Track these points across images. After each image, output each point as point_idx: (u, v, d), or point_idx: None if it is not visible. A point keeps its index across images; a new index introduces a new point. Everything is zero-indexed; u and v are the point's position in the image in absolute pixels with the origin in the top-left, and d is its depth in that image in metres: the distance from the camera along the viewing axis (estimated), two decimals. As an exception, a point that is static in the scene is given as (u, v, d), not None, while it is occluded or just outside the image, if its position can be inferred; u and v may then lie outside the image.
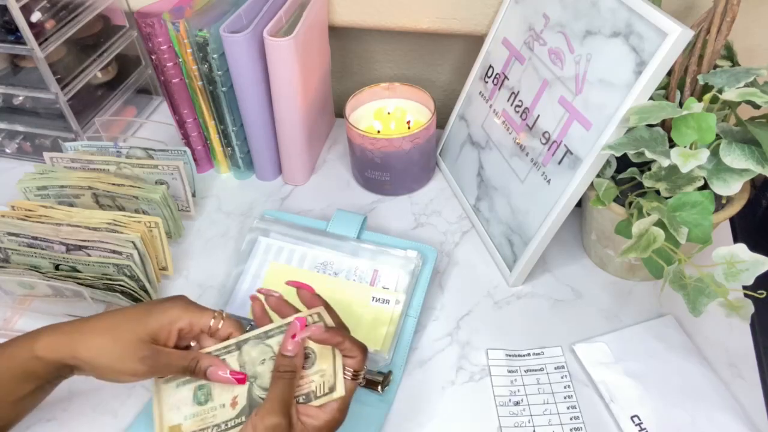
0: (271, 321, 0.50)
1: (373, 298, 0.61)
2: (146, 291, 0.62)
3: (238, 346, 0.48)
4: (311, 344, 0.47)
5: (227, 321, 0.49)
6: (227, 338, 0.49)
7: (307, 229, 0.67)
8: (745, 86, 0.49)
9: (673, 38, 0.47)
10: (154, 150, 0.71)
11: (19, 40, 0.70)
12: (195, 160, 0.79)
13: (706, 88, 0.53)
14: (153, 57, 0.69)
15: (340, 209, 0.69)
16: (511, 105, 0.66)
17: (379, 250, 0.64)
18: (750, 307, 0.48)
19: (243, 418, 0.45)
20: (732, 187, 0.49)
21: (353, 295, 0.62)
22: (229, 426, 0.45)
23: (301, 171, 0.79)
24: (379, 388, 0.55)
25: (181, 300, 0.49)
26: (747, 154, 0.48)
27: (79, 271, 0.62)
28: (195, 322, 0.48)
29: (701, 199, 0.50)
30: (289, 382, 0.45)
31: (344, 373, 0.46)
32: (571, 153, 0.57)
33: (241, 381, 0.47)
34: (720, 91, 0.50)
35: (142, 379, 0.48)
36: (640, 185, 0.55)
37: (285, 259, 0.66)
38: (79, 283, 0.60)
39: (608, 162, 0.57)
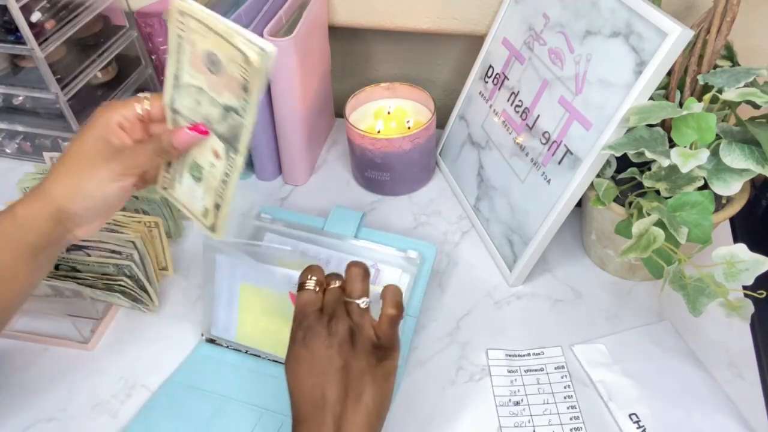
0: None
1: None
2: (146, 291, 0.62)
3: (172, 108, 0.49)
4: None
5: (154, 99, 0.50)
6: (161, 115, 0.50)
7: (304, 227, 0.66)
8: (745, 86, 0.49)
9: (673, 38, 0.47)
10: (154, 150, 0.71)
11: (19, 40, 0.70)
12: (195, 160, 0.79)
13: (706, 88, 0.53)
14: (153, 57, 0.69)
15: (338, 206, 0.68)
16: (511, 105, 0.66)
17: (379, 250, 0.64)
18: (750, 307, 0.48)
19: (233, 156, 0.46)
20: (732, 187, 0.49)
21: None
22: (230, 173, 0.47)
23: (301, 171, 0.79)
24: None
25: (102, 107, 0.49)
26: (747, 154, 0.48)
27: (78, 271, 0.62)
28: (125, 113, 0.49)
29: (701, 199, 0.50)
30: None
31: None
32: (571, 153, 0.57)
33: (202, 132, 0.47)
34: (720, 91, 0.50)
35: (129, 184, 0.48)
36: (640, 185, 0.55)
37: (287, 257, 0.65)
38: (78, 283, 0.60)
39: (608, 162, 0.57)
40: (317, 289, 0.48)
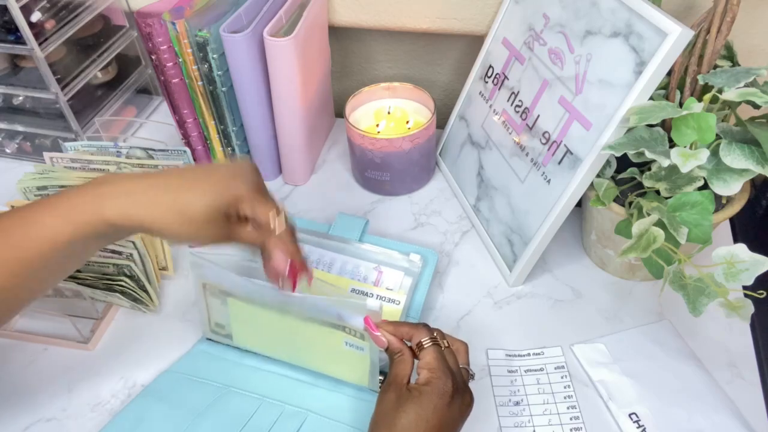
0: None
1: (377, 296, 0.61)
2: (146, 291, 0.62)
3: None
4: None
5: (281, 222, 0.47)
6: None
7: (309, 231, 0.67)
8: (745, 86, 0.49)
9: (673, 38, 0.47)
10: (154, 150, 0.71)
11: (19, 40, 0.70)
12: (195, 160, 0.79)
13: (706, 88, 0.53)
14: (153, 57, 0.69)
15: (341, 213, 0.69)
16: (511, 105, 0.66)
17: (382, 252, 0.65)
18: (750, 307, 0.48)
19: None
20: (732, 187, 0.49)
21: (354, 293, 0.62)
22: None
23: (301, 171, 0.79)
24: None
25: (250, 175, 0.47)
26: (747, 154, 0.48)
27: (78, 271, 0.62)
28: (256, 213, 0.46)
29: (701, 199, 0.50)
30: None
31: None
32: (571, 153, 0.57)
33: (295, 273, 0.48)
34: (720, 91, 0.50)
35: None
36: (640, 185, 0.55)
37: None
38: (78, 283, 0.60)
39: (608, 162, 0.57)
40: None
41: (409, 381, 0.46)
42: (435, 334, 0.48)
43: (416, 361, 0.47)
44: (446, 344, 0.48)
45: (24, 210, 0.43)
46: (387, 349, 0.48)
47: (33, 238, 0.42)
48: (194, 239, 0.46)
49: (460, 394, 0.45)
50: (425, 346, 0.47)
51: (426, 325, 0.48)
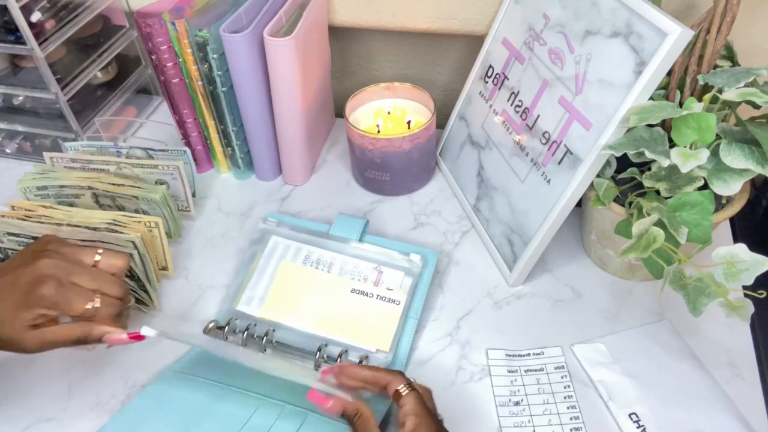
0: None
1: (378, 296, 0.61)
2: (146, 291, 0.62)
3: None
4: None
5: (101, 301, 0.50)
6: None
7: (310, 231, 0.67)
8: (745, 86, 0.49)
9: (673, 38, 0.47)
10: (154, 150, 0.71)
11: (19, 40, 0.70)
12: (195, 160, 0.79)
13: (706, 88, 0.53)
14: (153, 57, 0.69)
15: (341, 213, 0.69)
16: (511, 105, 0.66)
17: (382, 252, 0.65)
18: (750, 307, 0.48)
19: None
20: (732, 187, 0.49)
21: (354, 293, 0.62)
22: None
23: (301, 171, 0.79)
24: None
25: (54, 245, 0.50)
26: (747, 154, 0.48)
27: (79, 271, 0.62)
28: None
29: (701, 199, 0.50)
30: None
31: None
32: (571, 153, 0.57)
33: (138, 338, 0.50)
34: (720, 91, 0.50)
35: (41, 352, 0.49)
36: (640, 185, 0.55)
37: (292, 257, 0.66)
38: (79, 283, 0.60)
39: (608, 162, 0.57)
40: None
41: None
42: (411, 380, 0.49)
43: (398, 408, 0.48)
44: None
45: None
46: (343, 415, 0.48)
47: None
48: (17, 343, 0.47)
49: None
50: (403, 393, 0.47)
51: (401, 372, 0.49)
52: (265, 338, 0.59)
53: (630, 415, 0.53)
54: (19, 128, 0.83)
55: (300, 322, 0.61)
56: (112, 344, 0.50)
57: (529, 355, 0.59)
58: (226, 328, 0.60)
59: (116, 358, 0.60)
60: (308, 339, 0.60)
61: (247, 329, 0.60)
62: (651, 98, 0.51)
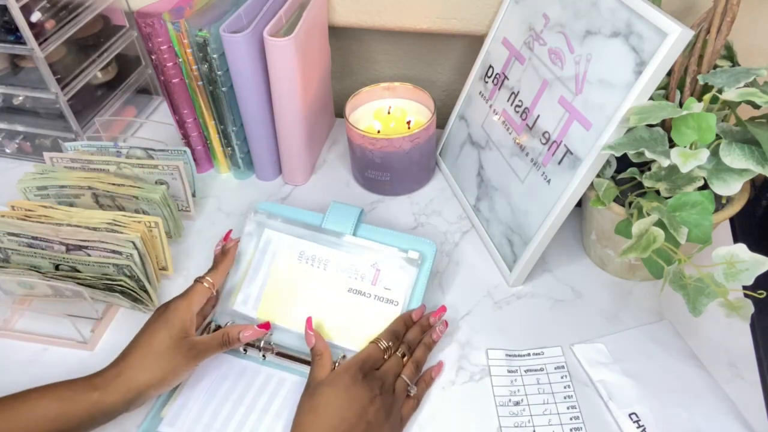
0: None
1: (375, 296, 0.61)
2: (146, 291, 0.62)
3: None
4: None
5: (214, 276, 0.60)
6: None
7: (302, 224, 0.66)
8: (745, 86, 0.49)
9: (673, 38, 0.47)
10: (154, 150, 0.71)
11: (19, 40, 0.70)
12: (195, 160, 0.79)
13: (706, 88, 0.53)
14: (153, 57, 0.69)
15: (336, 202, 0.67)
16: (511, 105, 0.66)
17: (380, 249, 0.63)
18: (750, 307, 0.48)
19: None
20: (732, 187, 0.49)
21: (351, 293, 0.62)
22: None
23: (301, 171, 0.79)
24: None
25: (176, 307, 0.56)
26: (747, 154, 0.48)
27: (79, 271, 0.62)
28: (196, 308, 0.58)
29: (701, 199, 0.50)
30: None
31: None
32: (571, 153, 0.57)
33: (266, 326, 0.58)
34: (720, 91, 0.50)
35: (192, 367, 0.55)
36: (640, 185, 0.55)
37: (286, 254, 0.65)
38: (79, 283, 0.60)
39: (608, 162, 0.57)
40: (386, 356, 0.56)
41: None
42: (390, 343, 0.56)
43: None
44: (402, 354, 0.56)
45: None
46: (312, 348, 0.56)
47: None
48: (177, 371, 0.53)
49: (372, 389, 0.52)
50: (378, 344, 0.56)
51: (393, 333, 0.57)
52: (262, 343, 0.59)
53: (630, 415, 0.53)
54: (19, 128, 0.83)
55: (298, 324, 0.60)
56: (246, 340, 0.57)
57: (529, 355, 0.59)
58: None
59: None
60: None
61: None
62: (651, 98, 0.51)
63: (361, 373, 0.52)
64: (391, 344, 0.56)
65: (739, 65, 0.57)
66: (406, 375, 0.55)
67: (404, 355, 0.56)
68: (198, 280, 0.59)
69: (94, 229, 0.62)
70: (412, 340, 0.58)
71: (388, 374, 0.54)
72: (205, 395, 0.57)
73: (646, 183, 0.54)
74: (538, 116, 0.62)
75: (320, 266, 0.63)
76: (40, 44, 0.71)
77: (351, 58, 0.90)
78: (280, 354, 0.60)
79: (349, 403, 0.50)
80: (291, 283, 0.63)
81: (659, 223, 0.50)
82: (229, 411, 0.56)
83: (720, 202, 0.57)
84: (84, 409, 0.49)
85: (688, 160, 0.47)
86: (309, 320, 0.58)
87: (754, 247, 0.47)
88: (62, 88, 0.76)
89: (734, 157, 0.48)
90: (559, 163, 0.58)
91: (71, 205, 0.68)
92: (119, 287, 0.61)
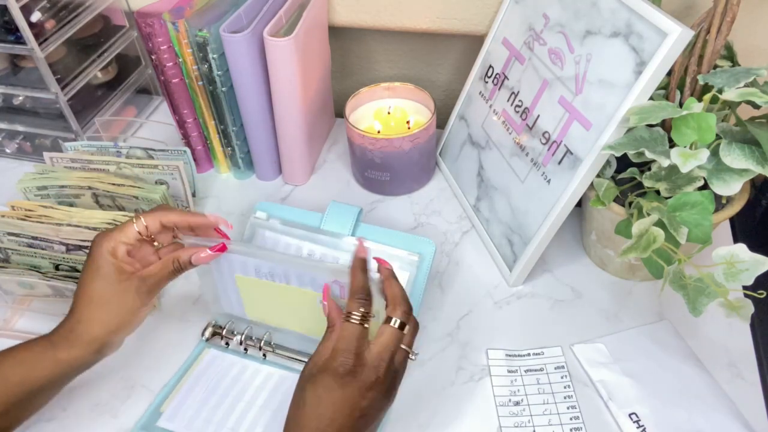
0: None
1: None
2: (146, 291, 0.62)
3: None
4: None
5: (147, 215, 0.52)
6: (160, 228, 0.53)
7: (300, 225, 0.65)
8: (745, 86, 0.49)
9: (673, 38, 0.47)
10: (154, 150, 0.71)
11: (19, 40, 0.70)
12: (195, 160, 0.79)
13: (706, 88, 0.53)
14: (153, 57, 0.69)
15: (334, 201, 0.67)
16: (511, 105, 0.66)
17: (377, 250, 0.63)
18: (750, 307, 0.48)
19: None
20: (732, 187, 0.49)
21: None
22: None
23: (301, 171, 0.79)
24: None
25: (97, 239, 0.51)
26: (747, 154, 0.48)
27: (79, 271, 0.62)
28: (123, 238, 0.51)
29: (701, 199, 0.50)
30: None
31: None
32: (571, 153, 0.57)
33: (222, 249, 0.53)
34: (720, 91, 0.50)
35: (151, 302, 0.52)
36: (640, 185, 0.55)
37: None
38: (79, 283, 0.60)
39: (608, 162, 0.57)
40: (366, 324, 0.46)
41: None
42: (363, 309, 0.46)
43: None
44: (397, 322, 0.47)
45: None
46: (327, 318, 0.49)
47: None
48: (133, 309, 0.51)
49: (363, 383, 0.44)
50: (351, 320, 0.46)
51: (409, 308, 0.48)
52: (263, 342, 0.59)
53: (630, 415, 0.53)
54: (19, 128, 0.83)
55: (295, 325, 0.60)
56: (200, 263, 0.53)
57: (529, 355, 0.59)
58: (224, 330, 0.60)
59: (116, 359, 0.60)
60: (307, 341, 0.60)
61: (243, 332, 0.60)
62: (651, 98, 0.51)
63: (342, 378, 0.44)
64: (364, 309, 0.47)
65: (739, 65, 0.57)
66: (405, 344, 0.48)
67: (403, 326, 0.47)
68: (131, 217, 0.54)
69: (95, 229, 0.62)
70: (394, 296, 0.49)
71: (383, 356, 0.46)
72: (205, 391, 0.57)
73: (646, 183, 0.54)
74: (538, 116, 0.62)
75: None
76: (40, 44, 0.71)
77: (351, 58, 0.90)
78: (280, 354, 0.60)
79: (334, 407, 0.44)
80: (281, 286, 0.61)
81: (659, 223, 0.50)
82: (229, 406, 0.56)
83: (720, 202, 0.57)
84: (49, 368, 0.48)
85: (688, 160, 0.47)
86: (326, 287, 0.51)
87: (754, 247, 0.47)
88: (62, 88, 0.76)
89: (734, 157, 0.48)
90: (559, 163, 0.58)
91: (71, 205, 0.68)
92: (119, 287, 0.61)
